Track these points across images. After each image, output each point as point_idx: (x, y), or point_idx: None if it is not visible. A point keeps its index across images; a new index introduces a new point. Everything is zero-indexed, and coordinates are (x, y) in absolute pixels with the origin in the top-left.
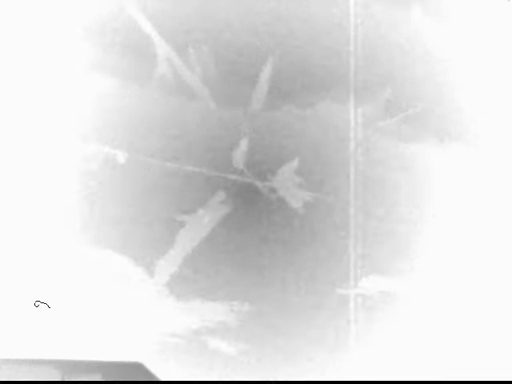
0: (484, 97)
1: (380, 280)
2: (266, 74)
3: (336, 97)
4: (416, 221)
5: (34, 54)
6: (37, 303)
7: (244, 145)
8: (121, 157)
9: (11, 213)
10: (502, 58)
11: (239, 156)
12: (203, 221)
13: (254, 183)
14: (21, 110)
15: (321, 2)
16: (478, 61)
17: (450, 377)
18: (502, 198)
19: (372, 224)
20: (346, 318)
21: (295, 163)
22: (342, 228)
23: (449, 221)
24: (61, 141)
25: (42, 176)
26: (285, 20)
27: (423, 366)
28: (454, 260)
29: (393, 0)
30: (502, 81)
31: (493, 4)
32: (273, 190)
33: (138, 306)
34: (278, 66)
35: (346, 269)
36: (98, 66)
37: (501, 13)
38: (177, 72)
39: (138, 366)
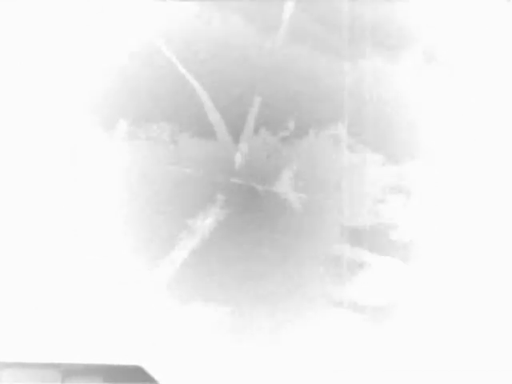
0: (482, 99)
1: (376, 282)
2: (253, 111)
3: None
4: (413, 222)
5: (35, 52)
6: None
7: (245, 147)
8: (121, 159)
9: (11, 213)
10: (501, 57)
11: (239, 159)
12: (204, 223)
13: (253, 186)
14: (22, 108)
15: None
16: (477, 61)
17: (449, 378)
18: (501, 197)
19: (371, 226)
20: (342, 321)
21: (295, 166)
22: (342, 230)
23: (447, 222)
24: (60, 140)
25: (41, 176)
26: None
27: (424, 365)
28: (452, 261)
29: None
30: (502, 81)
31: (493, 4)
32: (273, 194)
33: (138, 309)
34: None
35: (346, 271)
36: (99, 68)
37: (501, 13)
38: (177, 72)
39: (139, 370)
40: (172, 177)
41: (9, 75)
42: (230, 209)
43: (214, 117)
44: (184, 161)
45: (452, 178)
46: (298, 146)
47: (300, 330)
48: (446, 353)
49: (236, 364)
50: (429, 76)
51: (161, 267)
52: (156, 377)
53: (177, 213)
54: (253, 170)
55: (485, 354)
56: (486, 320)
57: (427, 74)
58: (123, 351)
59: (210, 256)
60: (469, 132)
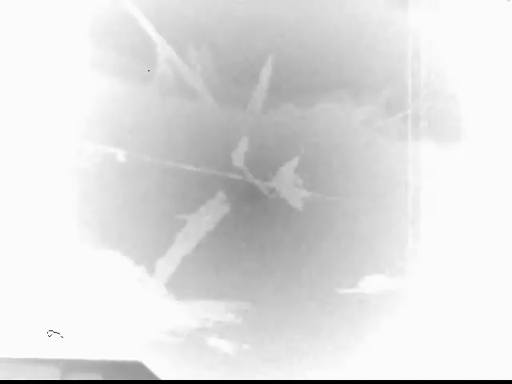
0: (484, 96)
1: (381, 279)
2: (265, 73)
3: (336, 97)
4: (417, 220)
5: (35, 53)
6: (49, 333)
7: (244, 144)
8: (121, 156)
9: (11, 213)
10: (501, 57)
11: (239, 156)
12: (203, 220)
13: (254, 183)
14: (21, 109)
15: (323, 4)
16: (477, 61)
17: (451, 376)
18: (500, 196)
19: (373, 223)
20: (347, 318)
21: (295, 162)
22: (344, 227)
23: (449, 219)
24: (60, 140)
25: (41, 176)
26: (284, 21)
27: (425, 365)
28: (453, 259)
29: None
30: (502, 81)
31: (493, 4)
32: (273, 190)
33: (137, 306)
34: (278, 65)
35: (348, 268)
36: (99, 65)
37: (501, 13)
38: (177, 71)
39: (138, 365)
40: (170, 173)
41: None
42: (230, 204)
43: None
44: (183, 157)
45: (451, 180)
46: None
47: (300, 330)
48: (448, 351)
49: (235, 362)
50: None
51: (159, 264)
52: (155, 372)
53: (176, 210)
54: (253, 166)
55: (485, 351)
56: (486, 317)
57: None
58: (122, 347)
59: (210, 253)
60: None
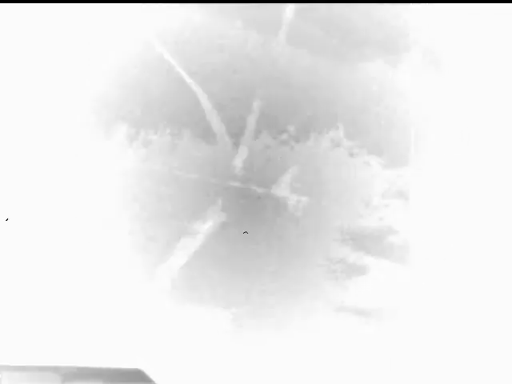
0: (484, 96)
1: (377, 285)
2: (255, 108)
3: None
4: (413, 224)
5: (36, 56)
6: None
7: (244, 151)
8: (121, 160)
9: (11, 214)
10: (502, 60)
11: (238, 163)
12: (204, 226)
13: (253, 190)
14: (22, 109)
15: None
16: (477, 62)
17: (452, 380)
18: (501, 199)
19: (370, 229)
20: (342, 324)
21: (295, 170)
22: (342, 233)
23: (449, 222)
24: (61, 142)
25: (42, 177)
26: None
27: (425, 367)
28: (454, 261)
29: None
30: (502, 82)
31: (493, 6)
32: (272, 197)
33: (138, 312)
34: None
35: (346, 274)
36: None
37: (502, 14)
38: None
39: (139, 373)
40: (172, 180)
41: (9, 78)
42: (229, 212)
43: (214, 120)
44: (184, 164)
45: (450, 182)
46: (298, 149)
47: (300, 333)
48: (448, 359)
49: (236, 366)
50: (429, 78)
51: (160, 270)
52: (156, 380)
53: (176, 216)
54: (252, 174)
55: (485, 354)
56: (487, 322)
57: (427, 76)
58: (123, 354)
59: (209, 259)
60: (466, 133)
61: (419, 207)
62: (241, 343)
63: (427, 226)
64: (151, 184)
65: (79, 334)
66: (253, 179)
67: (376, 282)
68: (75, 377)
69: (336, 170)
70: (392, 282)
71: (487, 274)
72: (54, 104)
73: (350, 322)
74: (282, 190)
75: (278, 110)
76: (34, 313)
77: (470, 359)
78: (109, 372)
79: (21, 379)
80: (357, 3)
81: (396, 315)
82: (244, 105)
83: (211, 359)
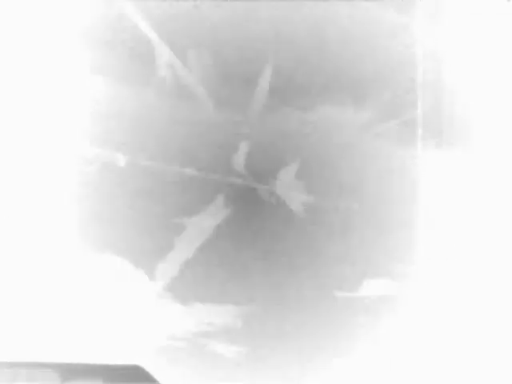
0: (484, 97)
1: (381, 283)
2: (265, 76)
3: (335, 100)
4: (415, 224)
5: (35, 57)
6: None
7: (244, 148)
8: (121, 160)
9: (11, 215)
10: (501, 60)
11: (239, 159)
12: (203, 224)
13: (254, 186)
14: (22, 112)
15: (319, 5)
16: (477, 64)
17: (452, 381)
18: (499, 200)
19: (372, 227)
20: (346, 322)
21: (295, 166)
22: (342, 231)
23: (450, 223)
24: (61, 144)
25: (42, 179)
26: (284, 23)
27: (425, 370)
28: (455, 262)
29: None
30: (502, 83)
31: (493, 4)
32: (273, 194)
33: (138, 310)
34: (278, 67)
35: (347, 272)
36: (99, 70)
37: (501, 13)
38: (176, 74)
39: (139, 369)
40: (171, 177)
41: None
42: (230, 208)
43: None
44: (184, 161)
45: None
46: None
47: (300, 334)
48: (448, 356)
49: (236, 365)
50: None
51: (160, 268)
52: (156, 376)
53: (176, 214)
54: (253, 170)
55: (485, 355)
56: (488, 324)
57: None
58: (123, 351)
59: (209, 257)
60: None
61: (425, 207)
62: (242, 342)
63: (434, 225)
64: (150, 181)
65: (79, 331)
66: (253, 175)
67: (380, 280)
68: (75, 374)
69: (337, 170)
70: (397, 277)
71: (490, 273)
72: (53, 106)
73: (356, 319)
74: (283, 186)
75: (288, 79)
76: (34, 311)
77: (474, 359)
78: (109, 369)
79: (20, 376)
80: None
81: (400, 309)
82: (251, 75)
83: (211, 355)
